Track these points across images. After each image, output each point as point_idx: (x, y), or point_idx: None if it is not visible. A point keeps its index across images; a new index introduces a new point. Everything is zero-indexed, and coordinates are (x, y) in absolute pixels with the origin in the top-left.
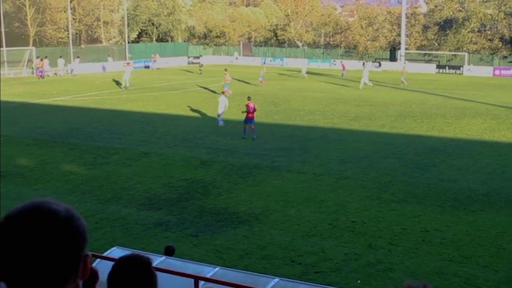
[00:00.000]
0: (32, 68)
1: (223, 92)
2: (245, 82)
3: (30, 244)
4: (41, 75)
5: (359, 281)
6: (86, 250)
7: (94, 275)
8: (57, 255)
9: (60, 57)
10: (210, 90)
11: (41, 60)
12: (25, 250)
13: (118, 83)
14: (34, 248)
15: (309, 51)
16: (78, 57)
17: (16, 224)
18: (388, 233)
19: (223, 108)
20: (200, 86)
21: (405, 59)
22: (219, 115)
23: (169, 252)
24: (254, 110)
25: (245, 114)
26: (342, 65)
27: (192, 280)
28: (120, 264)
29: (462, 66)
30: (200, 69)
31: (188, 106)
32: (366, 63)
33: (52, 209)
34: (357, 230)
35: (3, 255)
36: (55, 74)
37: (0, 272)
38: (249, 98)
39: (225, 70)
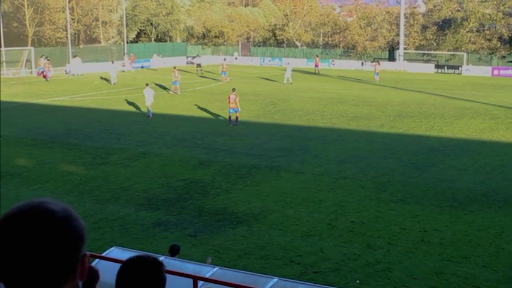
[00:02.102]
0: (32, 68)
1: (147, 84)
2: (212, 81)
3: (27, 244)
4: (45, 75)
5: (358, 281)
6: (84, 250)
7: (95, 274)
8: (54, 255)
9: (75, 56)
10: (162, 86)
11: (48, 60)
12: (22, 250)
13: (108, 81)
14: (31, 248)
15: (307, 51)
16: (75, 56)
17: (13, 224)
18: (386, 233)
19: (152, 99)
20: (156, 84)
21: (404, 59)
22: (148, 106)
23: (174, 251)
24: (234, 100)
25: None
26: (316, 61)
27: (191, 280)
28: (133, 263)
29: (461, 66)
30: (198, 70)
31: (187, 106)
32: (289, 63)
33: (49, 209)
34: (355, 230)
35: (1, 255)
36: (66, 73)
37: None
38: (233, 90)
39: (174, 68)
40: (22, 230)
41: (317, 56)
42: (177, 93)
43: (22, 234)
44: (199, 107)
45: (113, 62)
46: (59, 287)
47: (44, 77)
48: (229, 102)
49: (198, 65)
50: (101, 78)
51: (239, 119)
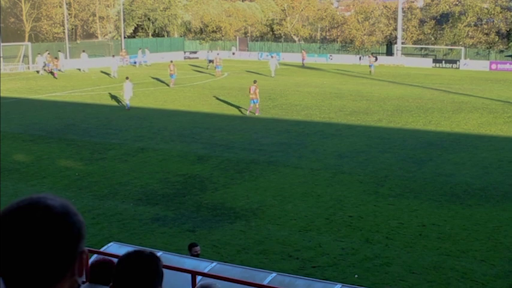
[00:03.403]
0: (29, 63)
1: (127, 78)
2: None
3: (25, 240)
4: (53, 73)
5: (356, 276)
6: (82, 246)
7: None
8: (52, 250)
9: (83, 51)
10: (162, 81)
11: (56, 58)
12: (20, 246)
13: (108, 75)
14: (29, 243)
15: (305, 46)
16: (83, 51)
17: (12, 220)
18: (385, 228)
19: (130, 93)
20: (153, 78)
21: (401, 53)
22: (127, 99)
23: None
24: (254, 91)
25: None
26: (302, 54)
27: (189, 275)
28: (130, 258)
29: (459, 61)
30: (209, 65)
31: (184, 101)
32: (273, 57)
33: (48, 205)
34: (354, 225)
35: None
36: (78, 69)
37: None
38: (254, 82)
39: (171, 62)
40: (20, 225)
41: (303, 50)
42: (169, 85)
43: (20, 229)
44: (196, 102)
45: (113, 56)
46: (57, 283)
47: (52, 74)
48: (249, 93)
49: (210, 61)
50: (102, 72)
51: (258, 111)
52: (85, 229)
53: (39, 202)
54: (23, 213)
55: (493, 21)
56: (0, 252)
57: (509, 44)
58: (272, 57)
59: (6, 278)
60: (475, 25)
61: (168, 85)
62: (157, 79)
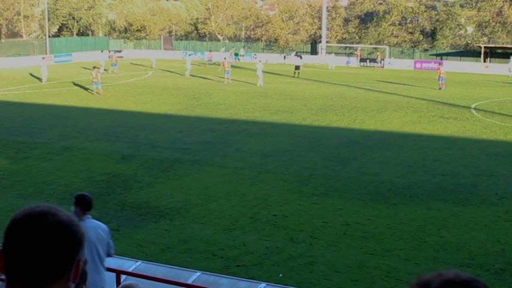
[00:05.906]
0: None
1: (43, 58)
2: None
3: (34, 242)
4: None
5: (281, 275)
6: (80, 255)
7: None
8: (56, 254)
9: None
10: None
11: None
12: (30, 247)
13: (38, 78)
14: (37, 245)
15: (229, 45)
16: None
17: (25, 223)
18: (309, 227)
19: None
20: (76, 84)
21: (326, 52)
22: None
23: (85, 204)
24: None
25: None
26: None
27: (114, 274)
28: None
29: (383, 59)
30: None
31: (109, 100)
32: (190, 55)
33: (56, 214)
34: (278, 224)
35: (9, 253)
36: None
37: (2, 265)
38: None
39: (94, 67)
40: (32, 229)
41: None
42: (99, 93)
43: (32, 233)
44: (120, 101)
45: (43, 58)
46: (53, 284)
47: None
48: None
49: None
50: (31, 75)
51: None
52: (85, 239)
53: (49, 211)
54: (35, 219)
55: (418, 20)
56: (11, 251)
57: (434, 43)
58: (190, 55)
59: (10, 274)
60: (400, 24)
61: (92, 92)
62: (81, 85)
